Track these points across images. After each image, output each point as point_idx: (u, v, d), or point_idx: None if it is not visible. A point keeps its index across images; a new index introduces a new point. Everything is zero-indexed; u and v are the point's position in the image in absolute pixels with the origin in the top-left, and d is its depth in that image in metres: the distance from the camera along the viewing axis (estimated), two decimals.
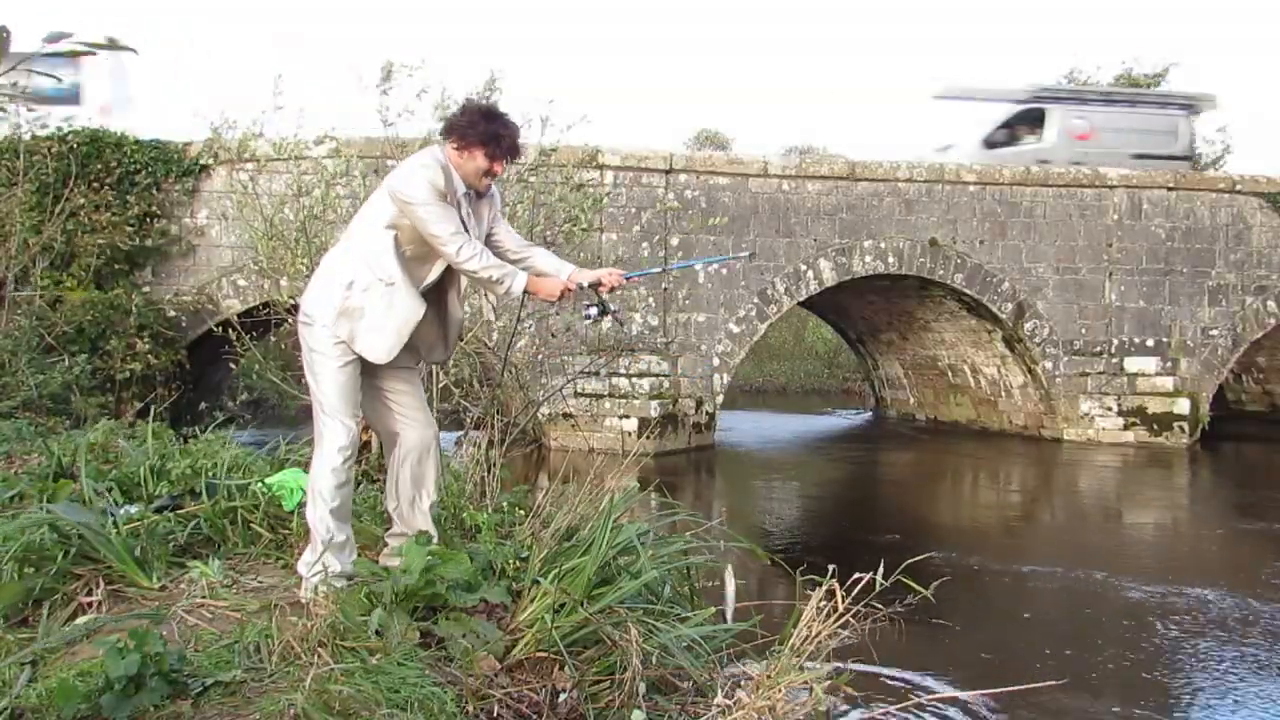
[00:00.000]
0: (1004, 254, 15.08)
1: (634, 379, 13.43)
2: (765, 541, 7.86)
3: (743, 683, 2.56)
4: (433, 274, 3.18)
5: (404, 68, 6.69)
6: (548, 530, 3.47)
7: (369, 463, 5.71)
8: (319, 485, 3.07)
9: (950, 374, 17.99)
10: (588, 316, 3.30)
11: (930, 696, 2.75)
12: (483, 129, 3.12)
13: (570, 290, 3.20)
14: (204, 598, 2.97)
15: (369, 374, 3.22)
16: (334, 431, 3.08)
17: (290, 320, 6.78)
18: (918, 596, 2.77)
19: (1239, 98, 43.85)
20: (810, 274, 14.57)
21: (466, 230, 3.15)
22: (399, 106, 6.62)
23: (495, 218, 3.38)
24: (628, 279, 3.27)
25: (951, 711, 4.58)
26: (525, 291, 3.15)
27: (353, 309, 3.06)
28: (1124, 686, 5.03)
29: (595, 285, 3.25)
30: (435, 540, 3.21)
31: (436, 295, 3.28)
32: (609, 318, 3.36)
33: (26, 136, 11.20)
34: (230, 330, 6.95)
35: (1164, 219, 15.40)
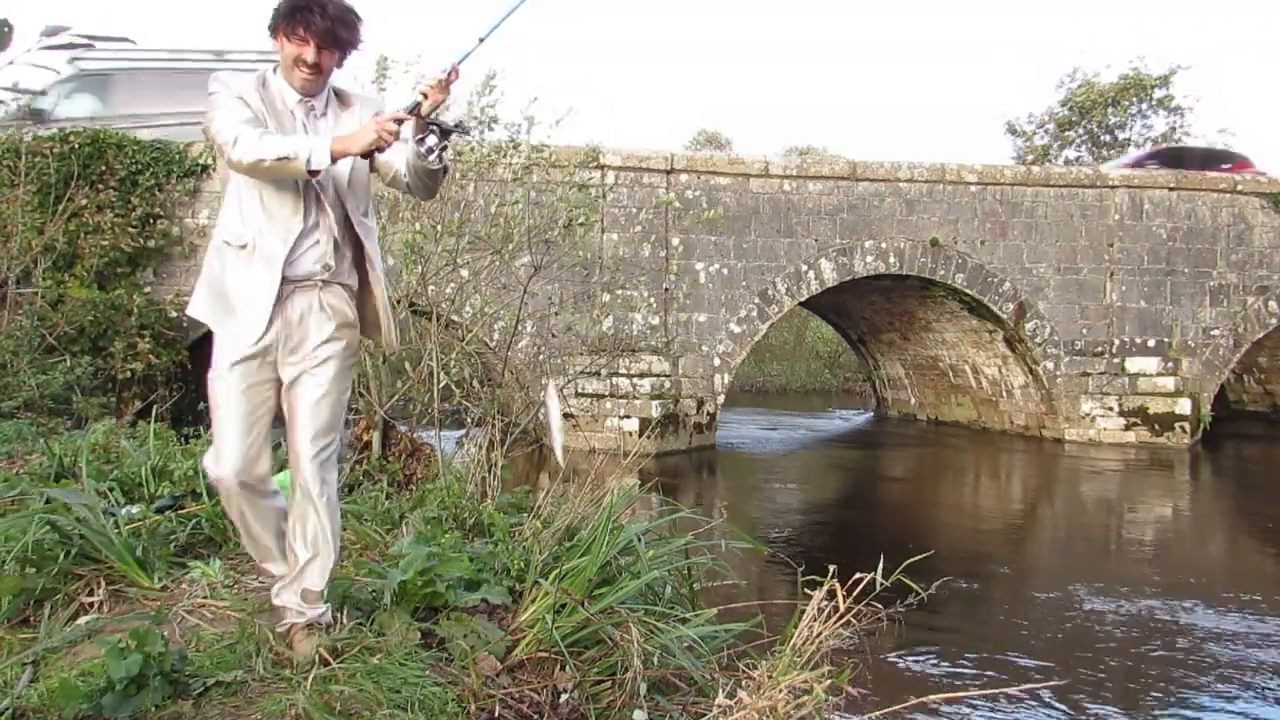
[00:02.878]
0: (1005, 254, 15.07)
1: (635, 379, 13.43)
2: (766, 542, 7.86)
3: (744, 683, 2.56)
4: (307, 218, 2.54)
5: (398, 63, 6.71)
6: (549, 530, 3.47)
7: (369, 463, 5.73)
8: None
9: (951, 374, 17.98)
10: (429, 150, 2.50)
11: (932, 696, 2.74)
12: (285, 5, 2.47)
13: (388, 132, 2.40)
14: (205, 598, 2.97)
15: (287, 384, 2.59)
16: (211, 454, 2.54)
17: None
18: (918, 597, 2.77)
19: (1242, 98, 43.84)
20: (811, 274, 14.56)
21: None
22: (396, 102, 6.64)
23: None
24: (447, 74, 2.48)
25: (953, 711, 4.58)
26: (335, 154, 2.40)
27: (218, 291, 2.53)
28: (1124, 688, 5.03)
29: (415, 108, 2.47)
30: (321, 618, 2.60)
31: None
32: (454, 135, 2.59)
33: (28, 137, 11.21)
34: None
35: (1165, 219, 15.40)
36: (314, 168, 2.38)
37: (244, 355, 2.49)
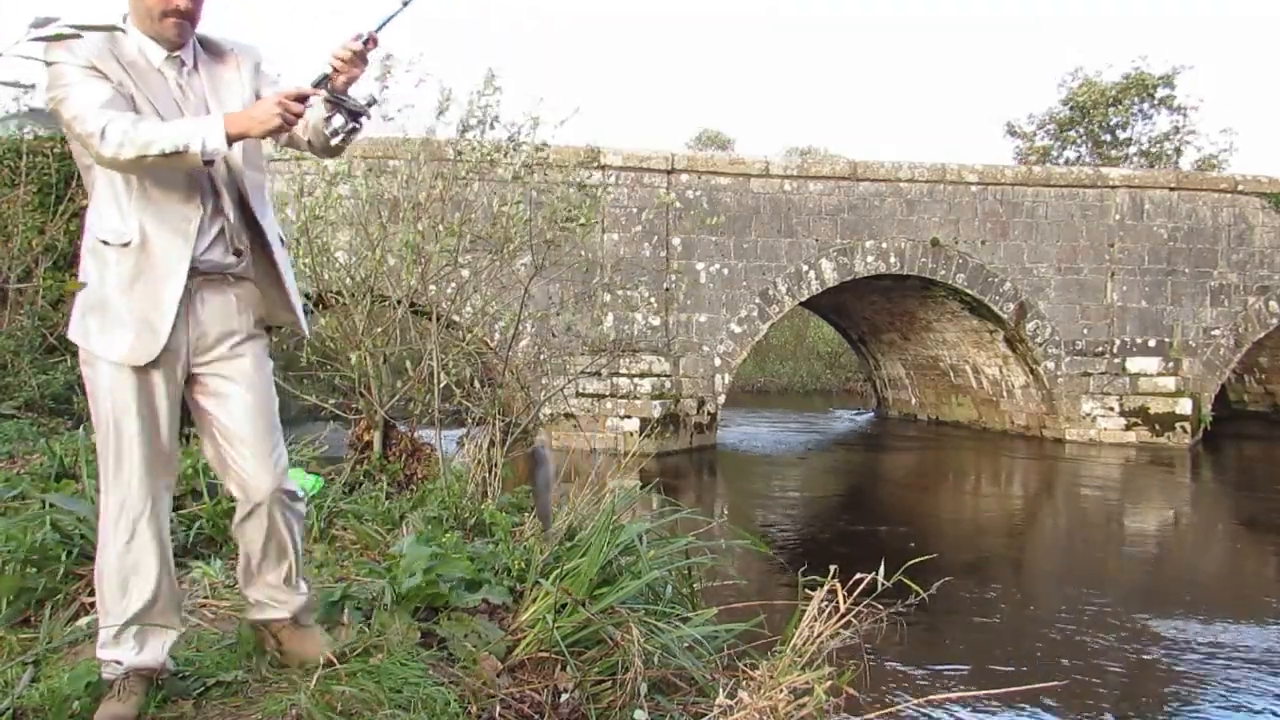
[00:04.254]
0: (1006, 254, 15.08)
1: (635, 379, 13.44)
2: (767, 542, 7.86)
3: (744, 683, 2.56)
4: (205, 204, 2.19)
5: (402, 62, 6.72)
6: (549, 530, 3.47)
7: (370, 463, 5.72)
8: (99, 561, 2.24)
9: (952, 374, 17.98)
10: (335, 133, 2.18)
11: (932, 697, 2.75)
12: None
13: (293, 113, 2.05)
14: (206, 598, 2.98)
15: (193, 392, 2.29)
16: (106, 490, 2.20)
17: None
18: (919, 597, 2.77)
19: (1243, 98, 43.85)
20: (812, 274, 14.57)
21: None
22: (399, 101, 6.68)
23: (261, 87, 2.30)
24: (365, 43, 2.11)
25: (952, 712, 4.59)
26: (232, 138, 2.04)
27: (101, 301, 2.13)
28: (1124, 690, 5.03)
29: (324, 82, 2.12)
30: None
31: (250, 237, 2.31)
32: (363, 116, 2.21)
33: (29, 136, 11.21)
34: None
35: (1166, 219, 15.40)
36: (209, 157, 2.03)
37: (141, 370, 2.13)
